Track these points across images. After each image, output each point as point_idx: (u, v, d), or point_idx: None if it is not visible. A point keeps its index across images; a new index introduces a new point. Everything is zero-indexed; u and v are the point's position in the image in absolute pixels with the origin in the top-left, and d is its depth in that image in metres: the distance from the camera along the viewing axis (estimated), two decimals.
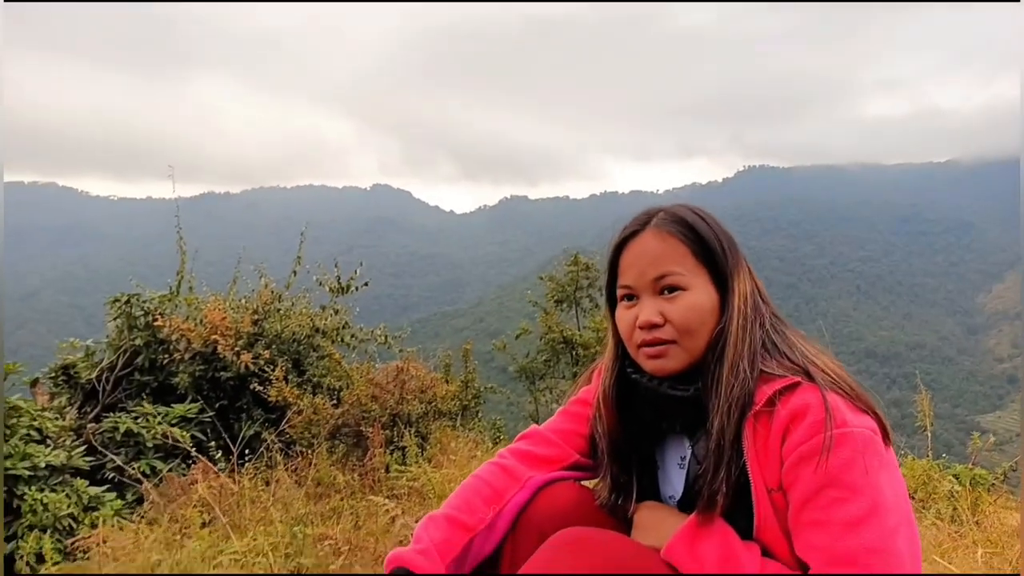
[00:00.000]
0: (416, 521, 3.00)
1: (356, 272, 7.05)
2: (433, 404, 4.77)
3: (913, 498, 3.45)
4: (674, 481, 1.40)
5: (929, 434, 4.01)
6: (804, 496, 1.16)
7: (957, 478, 3.66)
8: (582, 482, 1.53)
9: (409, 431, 4.27)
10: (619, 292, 1.37)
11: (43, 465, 3.54)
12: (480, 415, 6.20)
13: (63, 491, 3.43)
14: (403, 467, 3.78)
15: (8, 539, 3.24)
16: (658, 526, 1.33)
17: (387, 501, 3.04)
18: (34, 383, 5.07)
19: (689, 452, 1.35)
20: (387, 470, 3.80)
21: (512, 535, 1.41)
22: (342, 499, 3.18)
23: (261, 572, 2.23)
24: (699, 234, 1.32)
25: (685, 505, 1.35)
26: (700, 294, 1.29)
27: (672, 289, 1.29)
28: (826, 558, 1.13)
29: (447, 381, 5.48)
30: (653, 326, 1.28)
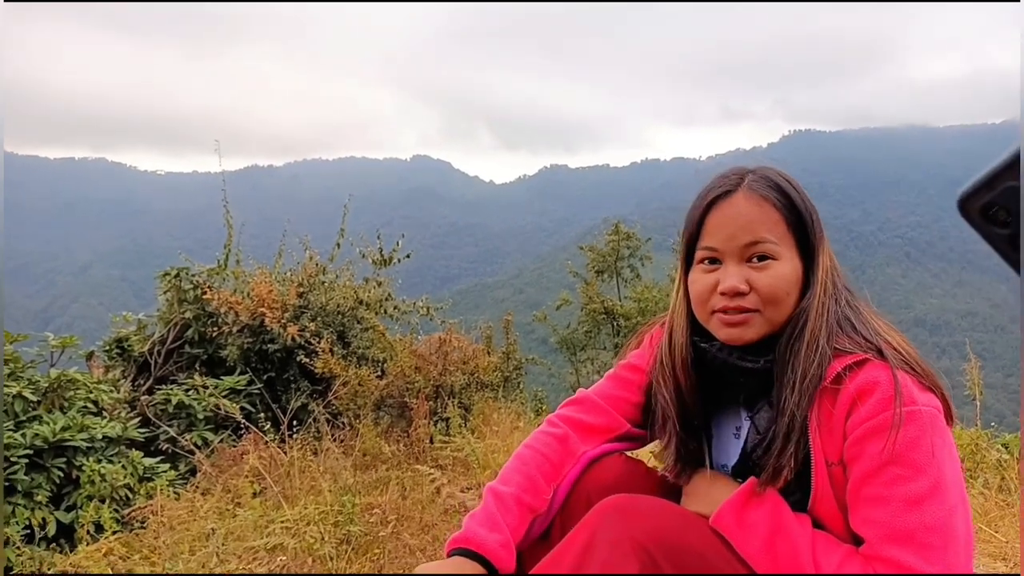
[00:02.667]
0: (461, 491, 3.03)
1: (398, 244, 7.08)
2: (475, 375, 4.79)
3: (961, 466, 3.40)
4: (729, 450, 1.37)
5: (978, 403, 3.94)
6: (867, 471, 1.14)
7: (1006, 447, 3.59)
8: (630, 452, 1.50)
9: (452, 402, 4.29)
10: (700, 254, 1.29)
11: (100, 437, 3.66)
12: (522, 386, 6.22)
13: (119, 462, 3.54)
14: (447, 438, 3.81)
15: (68, 509, 3.37)
16: (709, 493, 1.32)
17: (432, 471, 3.06)
18: (89, 356, 5.24)
19: (747, 423, 1.33)
20: (431, 441, 3.83)
21: (562, 512, 1.39)
22: (388, 469, 3.21)
23: (298, 549, 2.27)
24: (792, 202, 1.27)
25: (739, 474, 1.33)
26: (788, 265, 1.24)
27: (762, 258, 1.24)
28: (884, 532, 1.12)
29: (489, 352, 5.49)
30: (738, 294, 1.23)
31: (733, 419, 1.37)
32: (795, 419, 1.19)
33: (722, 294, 1.25)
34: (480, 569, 1.27)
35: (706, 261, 1.29)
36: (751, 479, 1.25)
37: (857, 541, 1.16)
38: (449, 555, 1.30)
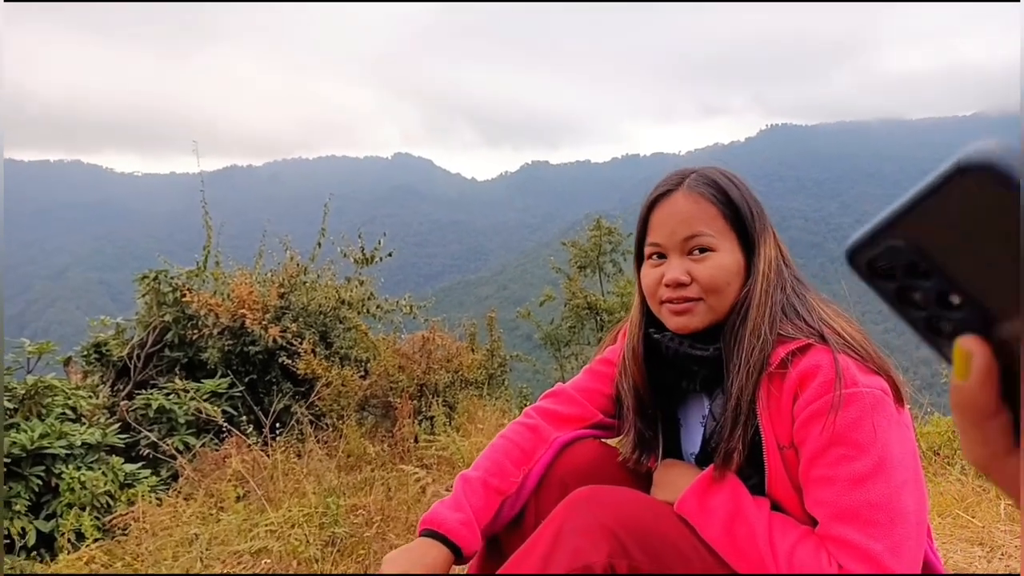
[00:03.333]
0: (447, 490, 3.02)
1: (380, 243, 7.04)
2: (459, 373, 4.78)
3: (938, 454, 3.47)
4: (695, 438, 1.43)
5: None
6: (813, 453, 1.19)
7: None
8: (605, 440, 1.57)
9: (436, 400, 4.27)
10: (647, 250, 1.39)
11: (79, 443, 3.61)
12: (507, 383, 6.21)
13: (99, 469, 3.49)
14: (432, 436, 3.80)
15: (48, 517, 3.32)
16: (675, 482, 1.38)
17: (417, 470, 3.06)
18: (67, 362, 5.17)
19: (708, 410, 1.39)
20: (416, 440, 3.82)
21: (536, 494, 1.46)
22: (373, 470, 3.20)
23: (279, 553, 2.25)
24: (729, 197, 1.35)
25: (702, 461, 1.39)
26: (727, 256, 1.32)
27: (702, 250, 1.32)
28: (832, 512, 1.17)
29: (473, 350, 5.48)
30: (680, 285, 1.31)
31: (699, 408, 1.43)
32: (741, 402, 1.25)
33: (666, 286, 1.33)
34: (443, 549, 1.34)
35: (654, 256, 1.38)
36: (711, 466, 1.31)
37: (814, 521, 1.21)
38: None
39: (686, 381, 1.40)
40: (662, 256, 1.36)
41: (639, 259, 1.42)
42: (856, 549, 1.13)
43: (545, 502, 1.41)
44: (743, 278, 1.32)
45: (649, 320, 1.43)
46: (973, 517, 2.62)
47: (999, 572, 2.10)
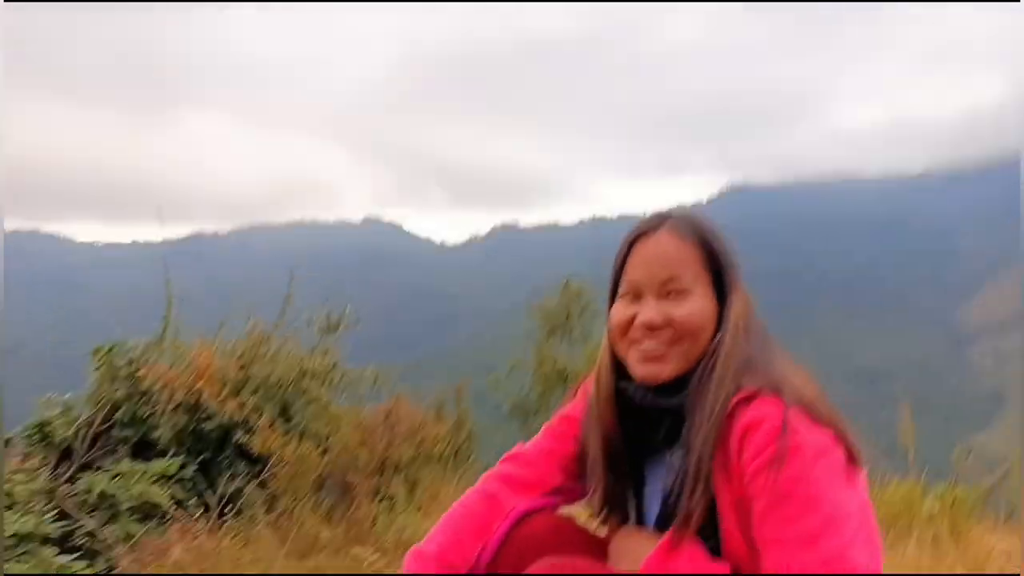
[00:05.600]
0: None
1: (346, 310, 6.91)
2: (423, 446, 4.61)
3: (895, 525, 3.44)
4: (658, 495, 1.39)
5: (910, 453, 4.03)
6: (761, 511, 1.17)
7: (941, 498, 3.63)
8: (563, 507, 1.52)
9: (398, 478, 4.10)
10: (622, 288, 1.36)
11: (10, 533, 3.34)
12: (472, 457, 6.03)
13: (29, 562, 3.23)
14: (392, 515, 3.61)
15: None
16: (633, 550, 1.33)
17: (372, 555, 2.88)
18: (7, 442, 4.87)
19: (667, 463, 1.35)
20: (374, 522, 3.63)
21: (493, 565, 1.39)
22: (326, 557, 3.00)
23: None
24: (710, 243, 1.34)
25: (661, 523, 1.35)
26: (703, 302, 1.30)
27: (678, 292, 1.30)
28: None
29: (439, 422, 5.32)
30: (653, 328, 1.29)
31: (661, 463, 1.38)
32: (703, 456, 1.21)
33: (639, 326, 1.30)
34: None
35: (628, 296, 1.35)
36: (669, 532, 1.26)
37: None
38: None
39: (651, 434, 1.36)
40: (637, 296, 1.33)
41: (612, 297, 1.40)
42: None
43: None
44: (714, 327, 1.30)
45: (618, 368, 1.38)
46: None
47: None
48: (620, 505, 1.42)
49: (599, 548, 1.40)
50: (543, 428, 1.60)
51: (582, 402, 1.50)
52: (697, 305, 1.29)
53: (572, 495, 1.53)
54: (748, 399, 1.20)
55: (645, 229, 1.36)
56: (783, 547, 1.13)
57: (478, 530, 1.42)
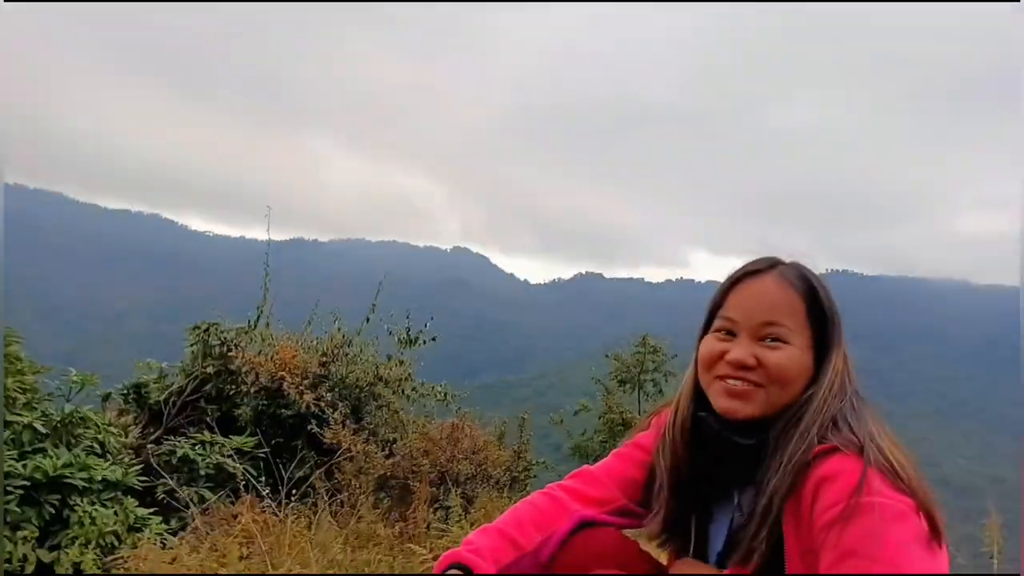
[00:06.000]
0: None
1: (426, 326, 7.12)
2: (483, 467, 4.68)
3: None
4: (722, 533, 1.37)
5: (995, 563, 3.77)
6: (829, 563, 1.12)
7: None
8: (626, 530, 1.50)
9: (456, 491, 4.17)
10: (717, 323, 1.34)
11: (99, 479, 3.61)
12: (528, 488, 6.03)
13: (112, 507, 3.48)
14: (446, 526, 3.69)
15: (52, 548, 3.28)
16: None
17: (425, 553, 2.95)
18: (106, 397, 5.26)
19: (736, 503, 1.34)
20: (428, 528, 3.71)
21: (549, 569, 1.39)
22: (380, 553, 3.10)
23: None
24: (817, 295, 1.32)
25: (724, 558, 1.33)
26: (799, 352, 1.28)
27: (775, 339, 1.28)
28: None
29: (500, 447, 5.38)
30: (744, 367, 1.26)
31: (729, 505, 1.36)
32: (774, 501, 1.19)
33: (729, 363, 1.28)
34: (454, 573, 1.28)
35: (722, 331, 1.33)
36: (730, 569, 1.25)
37: None
38: None
39: (722, 470, 1.34)
40: (731, 333, 1.32)
41: (706, 329, 1.38)
42: None
43: None
44: (808, 380, 1.28)
45: (698, 399, 1.38)
46: None
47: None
48: (680, 533, 1.39)
49: (657, 570, 1.39)
50: (612, 453, 1.59)
51: (655, 432, 1.50)
52: (794, 355, 1.26)
53: (633, 520, 1.51)
54: (829, 452, 1.19)
55: (753, 269, 1.35)
56: None
57: (541, 521, 1.41)
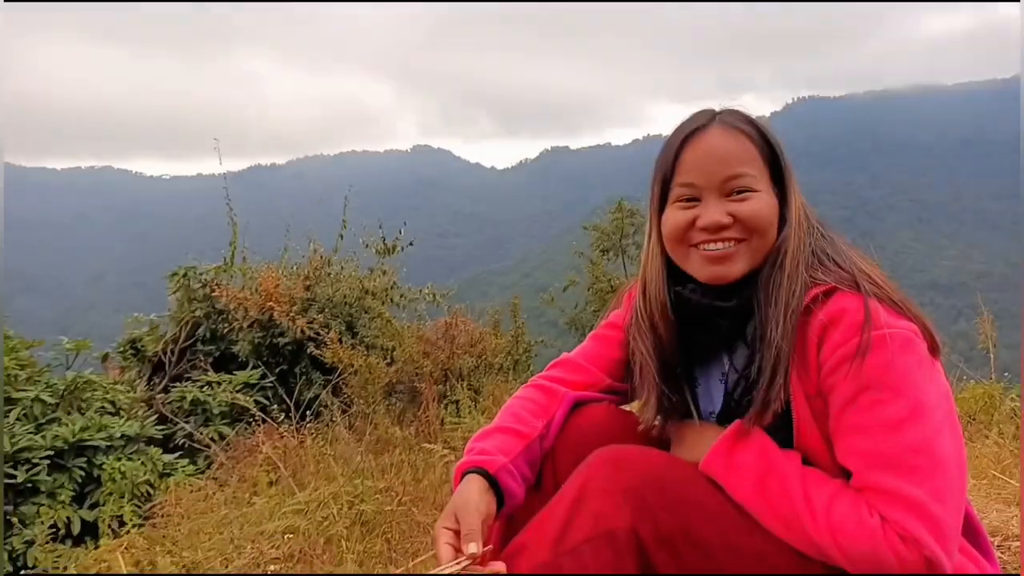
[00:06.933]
0: None
1: (400, 233, 7.14)
2: (484, 358, 4.83)
3: (974, 420, 3.40)
4: (714, 396, 1.35)
5: (992, 356, 3.92)
6: (843, 401, 1.13)
7: (1020, 398, 3.58)
8: (622, 406, 1.49)
9: (462, 385, 4.33)
10: (676, 192, 1.27)
11: (119, 435, 3.73)
12: (532, 368, 6.25)
13: (139, 459, 3.61)
14: (458, 419, 3.85)
15: (91, 507, 3.44)
16: (697, 441, 1.30)
17: (443, 450, 3.09)
18: (105, 358, 5.33)
19: (728, 365, 1.31)
20: (442, 423, 3.88)
21: (551, 454, 1.37)
22: (400, 453, 3.26)
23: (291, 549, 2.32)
24: (766, 136, 1.27)
25: (724, 419, 1.30)
26: (768, 196, 1.24)
27: (741, 191, 1.23)
28: (867, 461, 1.10)
29: (496, 335, 5.52)
30: (720, 228, 1.21)
31: (718, 365, 1.34)
32: (781, 351, 1.17)
33: (703, 229, 1.23)
34: (469, 476, 1.25)
35: (684, 199, 1.26)
36: (737, 421, 1.23)
37: (846, 474, 1.15)
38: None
39: (707, 337, 1.31)
40: (693, 200, 1.25)
41: (660, 205, 1.30)
42: (897, 497, 1.07)
43: (562, 465, 1.33)
44: (777, 222, 1.24)
45: (670, 275, 1.32)
46: (1011, 479, 2.58)
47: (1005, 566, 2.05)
48: (677, 412, 1.36)
49: (656, 443, 1.36)
50: (588, 336, 1.56)
51: (628, 310, 1.45)
52: (764, 199, 1.22)
53: (620, 398, 1.50)
54: (827, 294, 1.17)
55: (694, 128, 1.27)
56: (866, 433, 1.10)
57: (537, 409, 1.39)
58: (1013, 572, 1.96)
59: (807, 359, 1.17)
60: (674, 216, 1.26)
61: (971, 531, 1.22)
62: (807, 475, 1.17)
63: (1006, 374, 3.99)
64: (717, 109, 1.31)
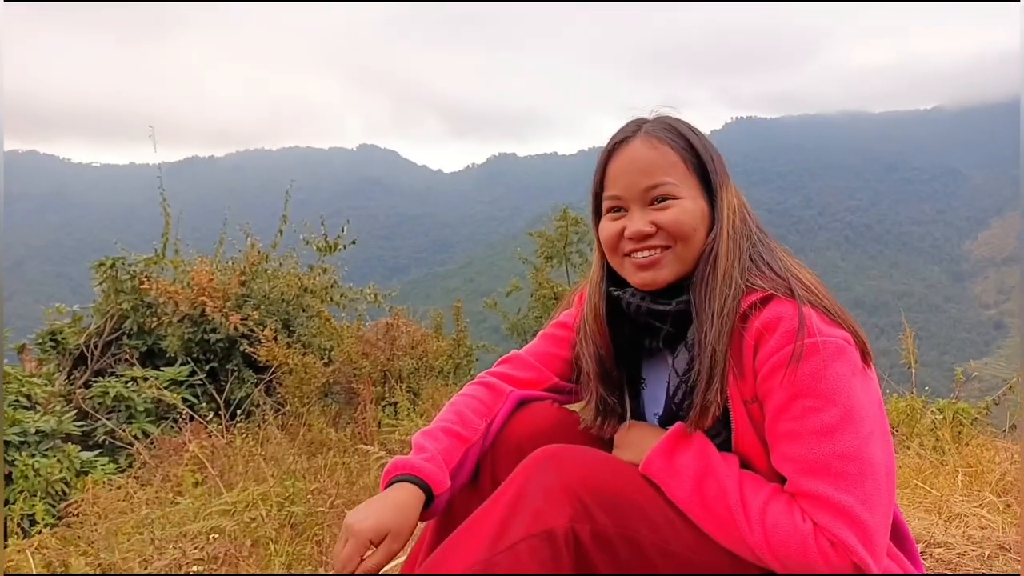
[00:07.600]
0: None
1: (343, 231, 7.00)
2: (424, 360, 4.77)
3: (896, 432, 3.54)
4: (660, 399, 1.37)
5: (913, 371, 4.09)
6: (777, 407, 1.15)
7: (940, 412, 3.73)
8: (566, 406, 1.50)
9: (400, 387, 4.27)
10: (606, 204, 1.31)
11: (33, 431, 3.53)
12: (473, 372, 6.22)
13: (54, 456, 3.43)
14: (395, 421, 3.79)
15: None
16: (638, 443, 1.32)
17: (379, 451, 3.04)
18: (21, 349, 5.05)
19: (671, 367, 1.32)
20: (379, 425, 3.81)
21: (491, 452, 1.38)
22: (334, 455, 3.18)
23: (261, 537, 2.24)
24: (690, 143, 1.29)
25: (666, 422, 1.32)
26: (691, 203, 1.26)
27: (662, 199, 1.26)
28: (800, 467, 1.13)
29: (438, 338, 5.48)
30: (644, 236, 1.25)
31: (663, 366, 1.35)
32: (716, 354, 1.19)
33: (629, 239, 1.26)
34: (413, 489, 1.25)
35: (613, 210, 1.30)
36: (678, 424, 1.25)
37: (782, 479, 1.17)
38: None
39: (649, 339, 1.33)
40: (621, 210, 1.29)
41: (597, 214, 1.34)
42: (827, 503, 1.09)
43: (501, 463, 1.34)
44: (708, 226, 1.27)
45: (610, 278, 1.36)
46: (932, 488, 2.68)
47: (997, 569, 2.12)
48: (613, 415, 1.39)
49: (598, 443, 1.38)
50: (539, 334, 1.58)
51: (578, 311, 1.48)
52: (686, 206, 1.24)
53: (567, 396, 1.52)
54: (763, 300, 1.19)
55: (620, 137, 1.31)
56: (799, 439, 1.12)
57: (480, 410, 1.39)
58: (936, 574, 2.04)
59: (744, 365, 1.19)
60: (606, 227, 1.31)
61: (898, 535, 1.26)
62: (744, 479, 1.19)
63: (926, 388, 4.17)
64: (649, 117, 1.34)
